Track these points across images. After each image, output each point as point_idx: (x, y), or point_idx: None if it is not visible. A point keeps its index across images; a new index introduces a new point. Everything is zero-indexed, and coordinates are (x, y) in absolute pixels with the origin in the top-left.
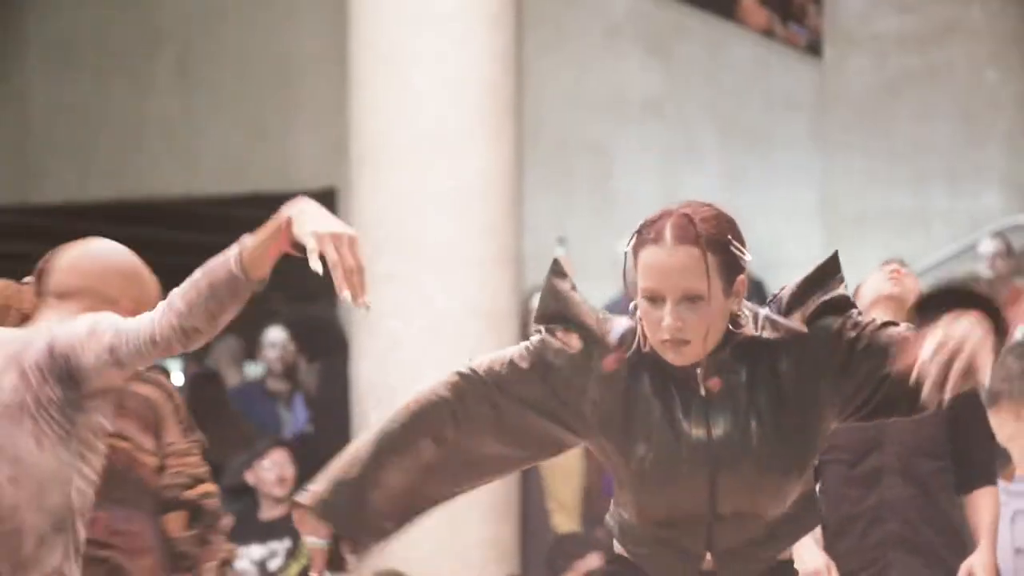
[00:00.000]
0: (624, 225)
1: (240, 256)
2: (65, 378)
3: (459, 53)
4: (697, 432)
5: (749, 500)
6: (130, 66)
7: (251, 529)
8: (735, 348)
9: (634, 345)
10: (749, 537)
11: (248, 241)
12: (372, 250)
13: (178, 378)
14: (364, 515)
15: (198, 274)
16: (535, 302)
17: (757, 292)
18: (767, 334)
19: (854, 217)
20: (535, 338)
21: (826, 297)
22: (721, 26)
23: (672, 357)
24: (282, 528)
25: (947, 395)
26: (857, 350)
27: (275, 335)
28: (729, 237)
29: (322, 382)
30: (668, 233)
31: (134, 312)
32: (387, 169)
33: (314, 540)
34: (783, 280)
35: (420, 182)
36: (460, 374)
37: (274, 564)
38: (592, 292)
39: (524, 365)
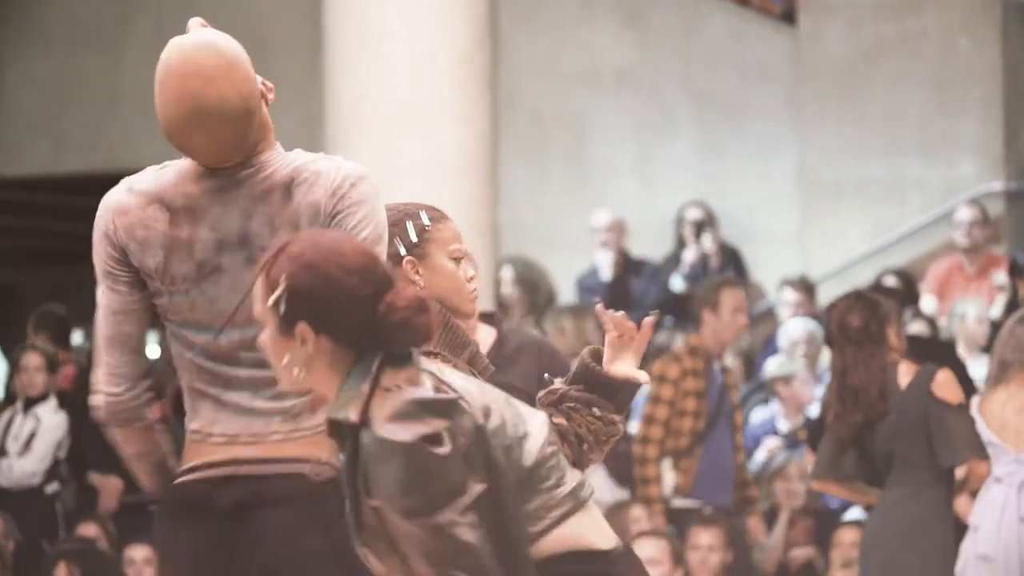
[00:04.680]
0: (599, 196)
1: None
2: None
3: (434, 25)
4: None
5: None
6: (103, 38)
7: None
8: None
9: None
10: None
11: None
12: None
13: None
14: None
15: None
16: (505, 272)
17: (733, 262)
18: None
19: (829, 187)
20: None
21: None
22: None
23: None
24: None
25: None
26: None
27: None
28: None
29: None
30: None
31: None
32: (362, 141)
33: None
34: (759, 250)
35: (395, 154)
36: None
37: None
38: (565, 263)
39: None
